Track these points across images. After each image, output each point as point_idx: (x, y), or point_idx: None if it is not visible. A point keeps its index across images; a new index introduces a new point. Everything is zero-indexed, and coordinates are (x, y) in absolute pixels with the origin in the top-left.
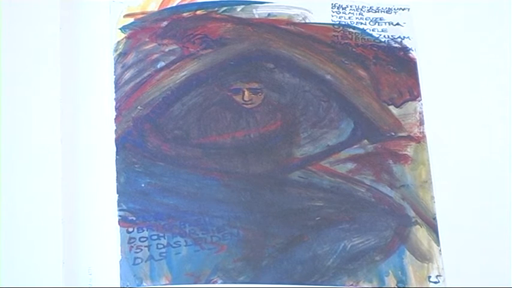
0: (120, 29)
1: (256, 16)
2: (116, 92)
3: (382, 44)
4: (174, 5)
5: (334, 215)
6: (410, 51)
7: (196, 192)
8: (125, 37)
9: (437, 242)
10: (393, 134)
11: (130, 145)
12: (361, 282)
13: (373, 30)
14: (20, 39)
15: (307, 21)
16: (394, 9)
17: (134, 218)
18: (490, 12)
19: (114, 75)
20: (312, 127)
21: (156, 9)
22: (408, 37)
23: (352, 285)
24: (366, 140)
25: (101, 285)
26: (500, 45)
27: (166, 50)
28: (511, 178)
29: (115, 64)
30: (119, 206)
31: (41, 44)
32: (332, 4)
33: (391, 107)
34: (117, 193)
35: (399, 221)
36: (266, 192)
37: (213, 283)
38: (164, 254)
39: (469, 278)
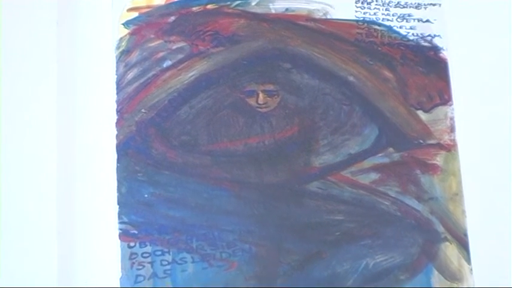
0: (123, 24)
1: (273, 11)
2: (117, 93)
3: (411, 42)
4: None
5: (356, 229)
6: (441, 50)
7: (204, 204)
8: (128, 33)
9: (468, 261)
10: (421, 141)
11: (133, 152)
12: None
13: (400, 28)
14: (13, 34)
15: (328, 17)
16: (424, 4)
17: (136, 232)
18: None
19: (116, 74)
20: (333, 133)
21: (162, 3)
22: (439, 35)
23: None
24: (391, 148)
25: None
26: None
27: (174, 47)
28: None
29: (117, 63)
30: (119, 218)
31: (36, 40)
32: None
33: (420, 112)
34: (118, 204)
35: (427, 237)
36: (281, 205)
37: None
38: (169, 272)
39: None
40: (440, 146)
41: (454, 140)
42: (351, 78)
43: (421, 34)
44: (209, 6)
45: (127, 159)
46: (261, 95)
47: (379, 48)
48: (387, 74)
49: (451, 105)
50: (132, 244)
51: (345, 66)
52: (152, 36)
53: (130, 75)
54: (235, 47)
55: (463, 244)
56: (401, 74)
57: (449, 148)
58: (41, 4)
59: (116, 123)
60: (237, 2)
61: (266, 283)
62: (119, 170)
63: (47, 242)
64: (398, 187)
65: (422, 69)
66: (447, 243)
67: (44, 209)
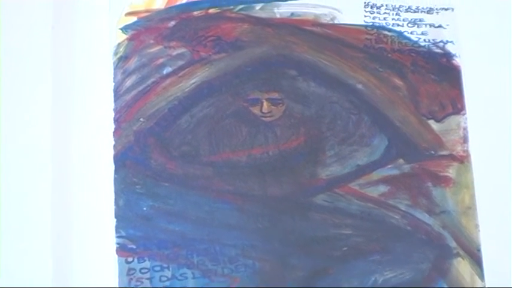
0: (121, 29)
1: (278, 16)
2: (115, 101)
3: (422, 49)
4: (183, 2)
5: (364, 244)
6: (454, 57)
7: (206, 217)
8: (127, 38)
9: (482, 277)
10: (433, 152)
11: (131, 163)
12: None
13: (411, 33)
14: (6, 39)
15: (336, 22)
16: (436, 9)
17: (134, 247)
18: None
19: (114, 82)
20: (340, 144)
21: (162, 7)
22: (452, 41)
23: None
24: (401, 159)
25: None
26: None
27: (174, 53)
28: None
29: (115, 69)
30: (117, 232)
31: (30, 45)
32: (365, 3)
33: (431, 122)
34: (116, 218)
35: (438, 252)
36: (286, 218)
37: None
38: None
39: None
40: (452, 157)
41: (467, 151)
42: (360, 86)
43: (433, 40)
44: (211, 11)
45: (125, 170)
46: (265, 104)
47: (389, 55)
48: (397, 81)
49: (464, 114)
50: (130, 259)
51: (353, 74)
52: (151, 41)
53: (128, 82)
54: (238, 53)
55: (476, 260)
56: (412, 82)
57: (462, 159)
58: (35, 7)
59: (114, 132)
60: (241, 6)
61: None
62: (116, 182)
63: (41, 258)
64: (408, 200)
65: (434, 76)
66: (459, 258)
67: (38, 222)
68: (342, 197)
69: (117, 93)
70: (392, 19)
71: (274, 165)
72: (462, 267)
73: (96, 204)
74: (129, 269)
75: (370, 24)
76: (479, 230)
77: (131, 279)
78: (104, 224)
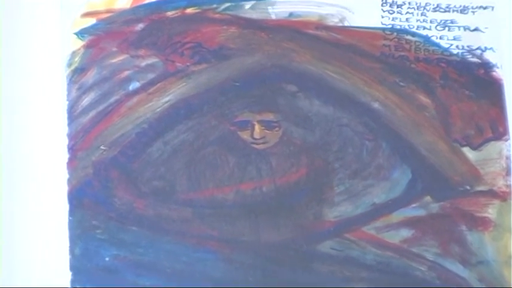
0: (76, 33)
1: (273, 16)
2: (69, 124)
3: (454, 57)
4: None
5: None
6: (494, 68)
7: (184, 270)
8: (83, 46)
9: None
10: (468, 188)
11: (90, 201)
12: None
13: (441, 38)
14: None
15: (346, 24)
16: (472, 7)
17: None
18: None
19: (68, 100)
20: (352, 177)
21: (128, 6)
22: (491, 48)
23: None
24: (428, 197)
25: None
26: None
27: (143, 64)
28: None
29: (69, 84)
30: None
31: None
32: (382, 0)
33: (466, 149)
34: (71, 270)
35: None
36: (285, 271)
37: None
38: None
39: None
40: (492, 194)
41: (510, 186)
42: (376, 105)
43: (468, 47)
44: (189, 11)
45: (82, 211)
46: (257, 127)
47: (413, 66)
48: (423, 99)
49: (507, 140)
50: None
51: (368, 89)
52: (114, 49)
53: (85, 100)
54: (224, 63)
55: None
56: (442, 100)
57: (505, 196)
58: None
59: (68, 163)
60: (226, 5)
61: None
62: (71, 226)
63: None
64: (437, 248)
65: (470, 92)
66: None
67: None
68: (355, 244)
69: (72, 115)
70: (417, 20)
71: (269, 205)
72: None
73: (47, 254)
74: None
75: (389, 27)
76: None
77: None
78: (57, 277)
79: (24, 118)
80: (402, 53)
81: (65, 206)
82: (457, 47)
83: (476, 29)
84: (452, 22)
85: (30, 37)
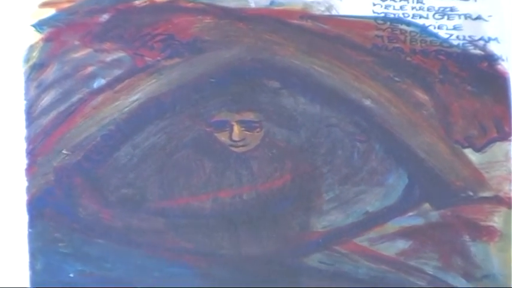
0: (33, 25)
1: (252, 5)
2: (27, 126)
3: (455, 49)
4: None
5: None
6: (499, 61)
7: (156, 286)
8: (42, 39)
9: None
10: (471, 193)
11: (52, 212)
12: None
13: (439, 28)
14: None
15: (333, 13)
16: None
17: None
18: None
19: (25, 100)
20: (342, 183)
21: None
22: (496, 39)
23: None
24: (427, 204)
25: None
26: None
27: (108, 59)
28: None
29: (26, 82)
30: None
31: None
32: None
33: (469, 151)
34: (32, 287)
35: None
36: (268, 286)
37: None
38: None
39: None
40: (498, 200)
41: None
42: (368, 103)
43: (470, 37)
44: None
45: (42, 222)
46: (236, 128)
47: (408, 59)
48: (420, 95)
49: None
50: None
51: (359, 85)
52: (76, 42)
53: (45, 100)
54: (198, 57)
55: None
56: (442, 96)
57: None
58: None
59: (26, 170)
60: None
61: None
62: (31, 239)
63: None
64: (438, 260)
65: (472, 88)
66: None
67: None
68: (346, 257)
69: (31, 115)
70: (413, 8)
71: (250, 214)
72: None
73: (5, 270)
74: None
75: (382, 15)
76: None
77: None
78: None
79: None
80: (396, 45)
81: (24, 217)
82: (457, 37)
83: (478, 18)
84: (452, 10)
85: None
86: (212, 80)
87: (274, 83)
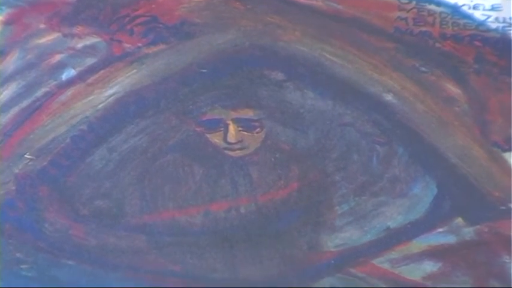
0: None
1: None
2: None
3: (492, 34)
4: None
5: None
6: None
7: None
8: (1, 21)
9: None
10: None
11: (12, 228)
12: None
13: (474, 8)
14: None
15: None
16: None
17: None
18: None
19: None
20: (358, 194)
21: None
22: None
23: None
24: (459, 219)
25: None
26: None
27: (80, 45)
28: None
29: None
30: None
31: None
32: None
33: (508, 155)
34: None
35: None
36: None
37: None
38: None
39: None
40: None
41: None
42: (389, 98)
43: (511, 19)
44: None
45: (2, 240)
46: (232, 128)
47: (438, 45)
48: (452, 89)
49: None
50: None
51: (379, 77)
52: (42, 26)
53: (5, 94)
54: (187, 44)
55: None
56: (477, 90)
57: None
58: None
59: None
60: None
61: None
62: None
63: None
64: (472, 284)
65: None
66: None
67: None
68: (363, 282)
69: None
70: None
71: (248, 231)
72: None
73: None
74: None
75: None
76: None
77: None
78: None
79: None
80: (423, 29)
81: None
82: (496, 19)
83: None
84: None
85: None
86: (203, 71)
87: (277, 74)
